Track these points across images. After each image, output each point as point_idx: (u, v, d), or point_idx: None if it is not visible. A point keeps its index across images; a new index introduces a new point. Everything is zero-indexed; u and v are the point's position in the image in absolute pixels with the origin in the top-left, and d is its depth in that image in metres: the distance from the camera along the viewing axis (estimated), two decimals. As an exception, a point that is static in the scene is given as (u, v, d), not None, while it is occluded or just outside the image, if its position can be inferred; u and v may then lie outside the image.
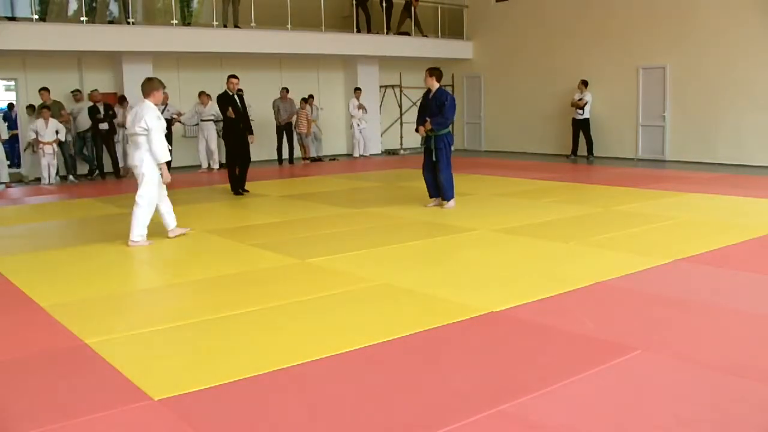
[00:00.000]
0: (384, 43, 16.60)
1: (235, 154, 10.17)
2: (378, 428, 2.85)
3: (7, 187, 11.95)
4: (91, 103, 12.63)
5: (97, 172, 13.12)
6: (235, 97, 10.15)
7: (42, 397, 3.23)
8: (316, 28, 15.34)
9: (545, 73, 16.08)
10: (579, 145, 14.87)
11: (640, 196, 9.10)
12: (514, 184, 10.78)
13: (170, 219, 7.03)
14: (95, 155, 13.04)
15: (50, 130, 12.10)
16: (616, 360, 3.50)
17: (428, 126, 8.27)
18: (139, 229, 6.69)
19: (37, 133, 12.06)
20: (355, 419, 2.93)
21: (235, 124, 10.04)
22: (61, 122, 12.40)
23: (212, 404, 3.10)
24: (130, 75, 13.80)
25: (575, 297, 4.64)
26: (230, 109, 9.92)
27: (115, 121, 12.99)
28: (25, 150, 12.99)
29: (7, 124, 12.90)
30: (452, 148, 8.52)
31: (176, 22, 13.72)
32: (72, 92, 13.22)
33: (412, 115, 16.97)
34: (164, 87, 7.02)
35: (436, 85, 8.36)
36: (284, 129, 15.04)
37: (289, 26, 14.82)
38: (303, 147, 15.54)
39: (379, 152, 17.39)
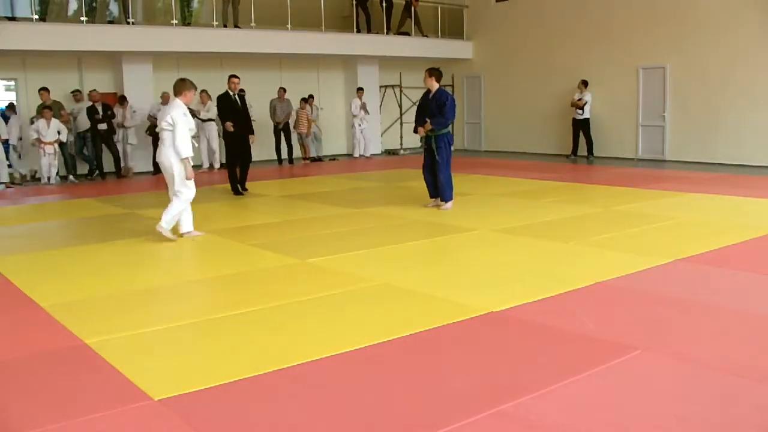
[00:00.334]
0: (384, 43, 16.59)
1: (236, 153, 10.18)
2: (378, 428, 2.85)
3: (7, 187, 11.95)
4: (90, 103, 12.62)
5: (97, 172, 13.12)
6: (236, 97, 10.15)
7: (42, 397, 3.23)
8: (316, 28, 15.34)
9: (545, 73, 16.08)
10: (579, 145, 14.87)
11: (640, 196, 9.10)
12: (514, 184, 10.78)
13: (187, 223, 7.06)
14: (95, 155, 13.03)
15: (52, 130, 12.10)
16: (616, 360, 3.50)
17: (428, 127, 8.26)
18: (167, 217, 6.82)
19: (38, 132, 12.06)
20: (355, 419, 2.93)
21: (237, 124, 10.04)
22: (60, 122, 12.39)
23: (212, 404, 3.10)
24: (130, 75, 13.82)
25: (575, 297, 4.64)
26: (229, 123, 9.96)
27: (114, 121, 13.00)
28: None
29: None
30: (452, 148, 8.51)
31: (176, 22, 13.72)
32: (72, 92, 13.22)
33: (412, 115, 16.85)
34: (196, 88, 7.17)
35: (435, 86, 8.35)
36: (282, 129, 15.03)
37: (289, 26, 14.82)
38: (303, 147, 15.54)
39: (379, 152, 17.38)
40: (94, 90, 12.80)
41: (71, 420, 2.96)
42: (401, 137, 17.56)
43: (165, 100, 13.29)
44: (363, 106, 16.14)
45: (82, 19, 12.62)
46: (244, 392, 3.21)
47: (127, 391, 3.24)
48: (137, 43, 13.01)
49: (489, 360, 3.59)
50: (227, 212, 8.69)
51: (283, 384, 3.32)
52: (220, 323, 4.29)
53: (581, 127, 14.77)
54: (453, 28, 18.13)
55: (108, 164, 13.14)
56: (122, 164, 13.37)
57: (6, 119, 12.51)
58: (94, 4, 13.16)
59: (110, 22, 13.30)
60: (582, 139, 14.82)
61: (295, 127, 15.27)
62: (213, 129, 13.88)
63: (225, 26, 14.19)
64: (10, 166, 12.52)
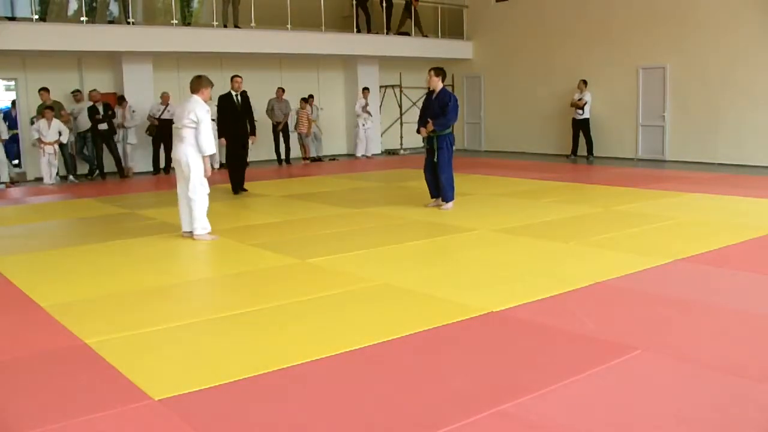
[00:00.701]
0: (384, 43, 16.59)
1: (234, 154, 10.20)
2: (378, 428, 2.85)
3: (8, 187, 11.95)
4: (91, 103, 12.62)
5: (97, 172, 13.11)
6: (238, 97, 10.16)
7: (42, 397, 3.23)
8: (316, 28, 15.34)
9: (545, 73, 16.08)
10: (579, 145, 14.87)
11: (640, 196, 9.10)
12: (514, 184, 10.78)
13: (198, 224, 7.03)
14: (95, 155, 13.03)
15: (53, 130, 12.10)
16: (616, 360, 3.50)
17: (430, 127, 8.25)
18: (200, 222, 6.84)
19: (39, 132, 12.06)
20: (355, 419, 2.93)
21: (232, 125, 10.04)
22: (61, 122, 12.38)
23: (212, 404, 3.10)
24: (130, 75, 13.82)
25: (575, 297, 4.64)
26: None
27: (114, 121, 12.99)
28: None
29: (7, 123, 12.88)
30: (453, 148, 8.51)
31: (176, 22, 13.71)
32: (72, 92, 13.21)
33: (412, 115, 17.01)
34: (212, 85, 7.20)
35: (440, 86, 8.34)
36: (281, 129, 15.02)
37: (289, 26, 14.82)
38: (303, 147, 15.54)
39: (379, 152, 17.38)
40: (95, 90, 12.79)
41: (71, 420, 2.96)
42: (401, 137, 17.56)
43: (165, 100, 13.32)
44: (365, 108, 16.12)
45: (82, 19, 12.61)
46: (244, 392, 3.21)
47: (127, 391, 3.24)
48: (137, 43, 13.01)
49: (489, 360, 3.59)
50: (227, 212, 8.68)
51: (283, 384, 3.32)
52: (220, 323, 4.29)
53: (581, 127, 14.76)
54: (453, 28, 18.13)
55: (109, 164, 13.14)
56: (124, 164, 13.37)
57: (7, 119, 12.51)
58: (94, 4, 13.16)
59: (110, 22, 13.29)
60: (582, 139, 14.82)
61: (295, 128, 15.26)
62: (213, 129, 13.86)
63: (225, 26, 14.19)
64: (18, 165, 12.50)
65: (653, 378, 3.31)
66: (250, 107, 10.48)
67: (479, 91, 17.96)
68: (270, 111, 14.72)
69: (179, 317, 4.39)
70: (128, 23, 13.08)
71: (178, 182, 7.01)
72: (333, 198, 9.60)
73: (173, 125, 7.14)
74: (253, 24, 14.31)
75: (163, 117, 13.27)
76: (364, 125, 16.23)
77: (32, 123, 12.52)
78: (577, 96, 14.75)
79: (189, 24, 14.34)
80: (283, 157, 15.16)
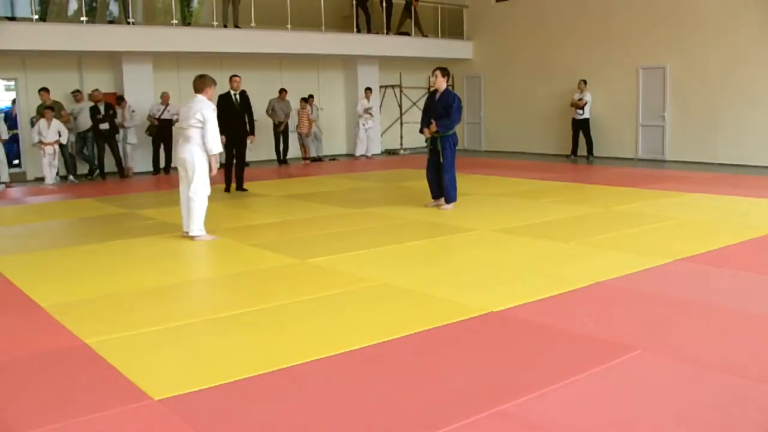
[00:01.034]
0: (384, 43, 16.59)
1: (231, 154, 10.26)
2: (378, 428, 2.85)
3: (8, 187, 11.95)
4: (92, 103, 12.62)
5: (97, 171, 13.11)
6: (236, 96, 10.17)
7: (42, 397, 3.23)
8: (316, 28, 15.34)
9: (545, 73, 16.08)
10: (579, 145, 14.87)
11: (640, 196, 9.10)
12: (514, 184, 10.78)
13: (195, 225, 7.05)
14: (96, 155, 13.03)
15: (53, 130, 12.10)
16: (616, 360, 3.50)
17: (433, 128, 8.23)
18: (197, 224, 6.84)
19: (39, 133, 12.06)
20: (355, 419, 2.93)
21: (230, 125, 10.06)
22: (61, 122, 12.38)
23: (212, 404, 3.10)
24: (130, 75, 13.82)
25: (575, 297, 4.64)
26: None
27: (115, 120, 12.99)
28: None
29: (8, 124, 12.88)
30: (456, 149, 8.50)
31: (176, 22, 13.71)
32: (72, 92, 13.21)
33: (411, 115, 17.03)
34: (215, 84, 7.21)
35: (444, 86, 8.33)
36: (282, 129, 15.03)
37: (289, 26, 14.82)
38: (303, 147, 15.54)
39: (379, 152, 17.38)
40: (97, 90, 12.79)
41: (71, 420, 2.96)
42: (401, 137, 17.56)
43: (165, 100, 13.32)
44: (367, 109, 16.10)
45: (82, 19, 12.61)
46: (244, 392, 3.21)
47: (127, 391, 3.24)
48: (137, 43, 13.00)
49: (489, 360, 3.59)
50: (227, 212, 8.68)
51: (283, 384, 3.32)
52: (220, 323, 4.29)
53: (581, 127, 14.76)
54: (453, 28, 18.14)
55: (109, 164, 13.13)
56: (125, 164, 13.36)
57: (8, 119, 12.50)
58: (94, 4, 13.15)
59: (110, 22, 13.29)
60: (582, 139, 14.82)
61: (296, 128, 15.26)
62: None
63: (225, 26, 14.19)
64: (18, 165, 12.50)
65: (653, 378, 3.31)
66: (250, 107, 10.49)
67: (479, 91, 17.97)
68: (271, 111, 14.73)
69: (179, 317, 4.39)
70: (128, 23, 13.08)
71: (181, 182, 7.01)
72: (333, 198, 9.60)
73: (178, 125, 7.14)
74: (253, 24, 14.31)
75: (163, 117, 13.28)
76: (365, 125, 16.22)
77: (32, 124, 12.51)
78: (577, 96, 14.75)
79: (189, 24, 14.33)
80: (281, 157, 15.16)
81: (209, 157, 6.85)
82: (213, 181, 7.12)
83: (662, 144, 14.13)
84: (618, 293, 4.76)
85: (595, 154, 14.67)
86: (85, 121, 12.77)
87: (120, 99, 13.39)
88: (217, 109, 10.16)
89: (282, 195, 10.13)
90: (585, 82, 14.71)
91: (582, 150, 14.82)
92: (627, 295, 4.72)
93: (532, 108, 16.51)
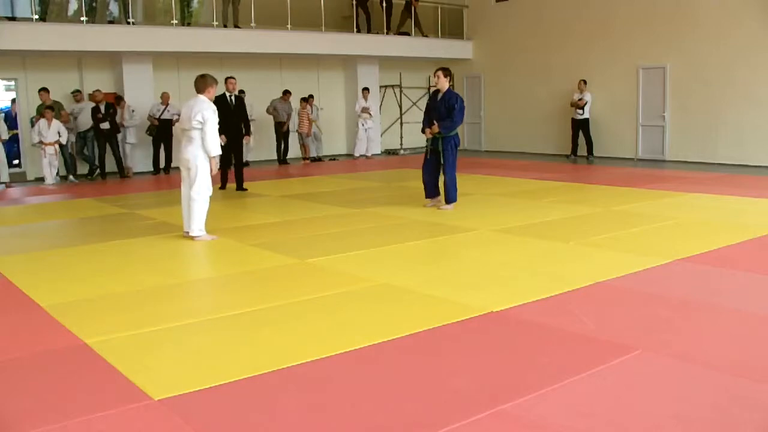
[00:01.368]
0: (384, 43, 16.59)
1: (226, 155, 10.30)
2: (378, 428, 2.85)
3: (8, 187, 11.95)
4: (92, 104, 12.62)
5: (97, 171, 13.11)
6: (232, 98, 10.20)
7: (42, 397, 3.23)
8: (316, 28, 15.34)
9: (545, 73, 16.08)
10: (579, 145, 14.87)
11: (640, 196, 9.10)
12: (514, 184, 10.78)
13: (196, 225, 7.07)
14: (96, 155, 13.03)
15: (53, 130, 12.10)
16: (616, 360, 3.50)
17: (435, 129, 8.21)
18: (198, 224, 6.85)
19: (40, 133, 12.06)
20: (355, 419, 2.93)
21: (224, 126, 10.10)
22: (61, 122, 12.39)
23: (212, 404, 3.10)
24: (130, 75, 13.82)
25: (575, 297, 4.64)
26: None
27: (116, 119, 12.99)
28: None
29: (8, 124, 12.88)
30: (458, 150, 8.49)
31: (176, 22, 13.71)
32: (72, 92, 13.22)
33: (412, 115, 17.04)
34: (217, 83, 7.21)
35: (446, 86, 8.31)
36: (281, 128, 15.05)
37: (289, 26, 14.82)
38: (303, 147, 15.54)
39: (379, 152, 17.39)
40: (98, 90, 12.78)
41: (71, 420, 2.96)
42: (401, 137, 17.56)
43: (165, 100, 13.32)
44: (365, 108, 16.10)
45: (82, 19, 12.61)
46: (244, 392, 3.21)
47: (127, 391, 3.25)
48: (137, 43, 13.00)
49: (489, 360, 3.59)
50: (227, 212, 8.68)
51: (283, 384, 3.32)
52: (220, 323, 4.29)
53: (581, 127, 14.76)
54: (453, 28, 18.13)
55: (110, 164, 13.13)
56: (125, 164, 13.36)
57: (8, 119, 12.50)
58: (94, 4, 13.15)
59: (110, 22, 13.29)
60: (582, 139, 14.82)
61: (296, 127, 15.26)
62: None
63: (225, 26, 14.19)
64: (18, 165, 12.49)
65: (653, 378, 3.31)
66: (245, 109, 10.54)
67: (479, 91, 17.96)
68: (273, 110, 14.75)
69: (179, 317, 4.39)
70: (128, 23, 13.08)
71: (183, 182, 7.02)
72: (333, 198, 9.60)
73: (180, 126, 7.14)
74: (253, 24, 14.31)
75: (163, 117, 13.28)
76: (364, 125, 16.22)
77: (32, 124, 12.51)
78: (577, 96, 14.75)
79: (189, 24, 14.34)
80: (288, 156, 15.18)
81: (210, 158, 6.85)
82: (212, 182, 7.13)
83: (662, 144, 14.13)
84: (618, 293, 4.76)
85: (595, 154, 14.67)
86: (85, 121, 12.77)
87: (119, 99, 13.39)
88: None
89: (282, 195, 10.14)
90: (585, 82, 14.71)
91: (582, 150, 14.81)
92: (627, 295, 4.72)
93: (532, 108, 16.51)
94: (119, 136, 13.20)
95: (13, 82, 13.72)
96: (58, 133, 12.16)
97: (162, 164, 13.59)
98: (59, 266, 5.99)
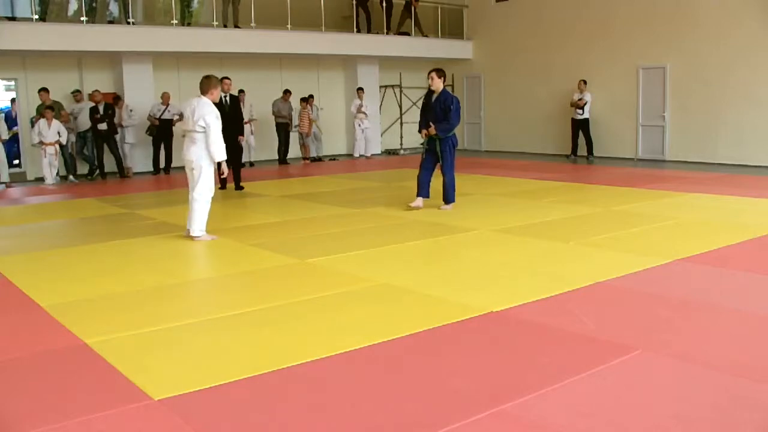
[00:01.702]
0: (384, 43, 16.59)
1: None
2: (378, 428, 2.85)
3: (8, 187, 11.95)
4: (92, 104, 12.62)
5: (97, 172, 13.11)
6: (226, 98, 10.23)
7: (42, 397, 3.23)
8: (316, 28, 15.34)
9: (545, 73, 16.08)
10: (579, 145, 14.87)
11: (640, 196, 9.10)
12: (514, 184, 10.78)
13: (196, 226, 7.07)
14: (96, 155, 13.03)
15: (53, 130, 12.10)
16: (616, 360, 3.50)
17: (432, 131, 8.18)
18: (199, 224, 6.86)
19: (40, 133, 12.06)
20: (355, 419, 2.93)
21: (222, 126, 10.13)
22: (60, 122, 12.38)
23: (212, 404, 3.10)
24: (130, 75, 13.82)
25: (575, 297, 4.64)
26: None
27: (114, 120, 12.98)
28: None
29: (8, 124, 12.88)
30: (456, 150, 8.48)
31: (176, 22, 13.71)
32: (72, 92, 13.22)
33: (412, 115, 17.01)
34: (221, 84, 7.20)
35: (441, 87, 8.30)
36: (284, 128, 15.06)
37: (289, 26, 14.82)
38: (303, 147, 15.54)
39: (379, 152, 17.39)
40: (97, 90, 12.79)
41: (71, 420, 2.96)
42: (401, 137, 17.56)
43: (165, 100, 13.32)
44: (359, 108, 16.10)
45: (82, 19, 12.61)
46: (244, 392, 3.21)
47: (127, 391, 3.25)
48: (137, 43, 13.00)
49: (489, 360, 3.59)
50: (227, 212, 8.68)
51: (283, 384, 3.32)
52: (220, 323, 4.29)
53: (581, 127, 14.76)
54: (453, 28, 18.14)
55: (109, 165, 13.13)
56: (124, 164, 13.36)
57: (8, 119, 12.50)
58: (94, 4, 13.15)
59: (110, 22, 13.29)
60: (582, 139, 14.82)
61: (298, 128, 15.27)
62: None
63: (225, 26, 14.19)
64: (18, 165, 12.49)
65: (653, 378, 3.31)
66: (239, 110, 10.56)
67: (479, 91, 17.96)
68: (276, 110, 14.77)
69: (179, 317, 4.39)
70: (128, 23, 13.08)
71: (190, 183, 7.04)
72: (333, 198, 9.60)
73: (184, 128, 7.15)
74: (253, 24, 14.31)
75: (163, 117, 13.28)
76: (360, 125, 16.23)
77: (32, 124, 12.51)
78: (577, 96, 14.75)
79: (189, 24, 14.34)
80: (289, 156, 15.17)
81: (217, 162, 6.88)
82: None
83: (662, 144, 14.13)
84: (618, 293, 4.76)
85: (595, 154, 14.67)
86: (85, 121, 12.77)
87: (116, 98, 13.39)
88: None
89: (282, 195, 10.14)
90: (585, 82, 14.71)
91: (582, 150, 14.81)
92: (627, 295, 4.72)
93: (532, 108, 16.51)
94: (117, 137, 13.20)
95: (13, 82, 13.72)
96: (58, 133, 12.15)
97: (162, 164, 13.59)
98: (59, 266, 5.99)
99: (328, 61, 16.81)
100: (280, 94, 15.00)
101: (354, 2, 16.28)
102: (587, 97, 14.65)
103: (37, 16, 12.23)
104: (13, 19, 12.30)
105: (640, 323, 4.13)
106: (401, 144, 17.60)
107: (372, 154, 16.58)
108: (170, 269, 5.86)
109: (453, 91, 17.95)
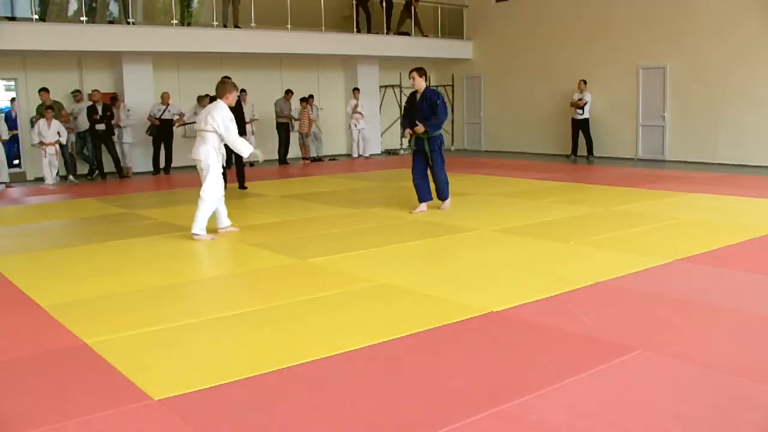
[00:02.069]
0: (384, 43, 16.59)
1: (227, 154, 10.37)
2: (378, 428, 2.85)
3: (8, 187, 11.95)
4: (91, 103, 12.62)
5: (97, 172, 13.11)
6: None
7: (42, 397, 3.23)
8: (316, 28, 15.34)
9: (545, 73, 16.08)
10: (579, 145, 14.87)
11: (640, 196, 9.10)
12: (514, 184, 10.78)
13: (224, 219, 7.25)
14: (95, 155, 13.02)
15: (53, 130, 12.10)
16: (616, 360, 3.50)
17: (421, 129, 8.09)
18: (201, 223, 6.89)
19: (40, 133, 12.06)
20: (355, 419, 2.93)
21: None
22: (60, 122, 12.39)
23: (212, 404, 3.10)
24: (130, 75, 13.82)
25: (575, 297, 4.64)
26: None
27: (112, 121, 12.97)
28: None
29: (8, 124, 12.88)
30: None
31: (176, 22, 13.72)
32: (72, 92, 13.22)
33: (412, 115, 17.02)
34: (237, 89, 7.27)
35: (423, 86, 8.24)
36: (284, 128, 15.07)
37: (289, 26, 14.82)
38: (303, 147, 15.54)
39: (379, 152, 17.39)
40: (96, 90, 12.79)
41: (71, 420, 2.96)
42: (401, 137, 17.55)
43: (165, 100, 13.32)
44: (355, 108, 16.10)
45: (82, 19, 12.61)
46: (244, 392, 3.21)
47: (127, 391, 3.25)
48: (137, 43, 13.01)
49: (489, 360, 3.59)
50: (227, 212, 8.67)
51: (283, 384, 3.32)
52: (220, 323, 4.29)
53: (581, 127, 14.76)
54: (453, 28, 18.13)
55: (110, 164, 13.13)
56: (123, 164, 13.35)
57: (8, 119, 12.50)
58: (94, 4, 13.15)
59: (110, 22, 13.29)
60: (582, 139, 14.82)
61: (298, 127, 15.27)
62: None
63: (225, 26, 14.19)
64: (18, 165, 12.49)
65: (653, 378, 3.31)
66: (241, 109, 10.55)
67: (479, 91, 17.96)
68: (280, 111, 14.78)
69: (179, 317, 4.39)
70: (128, 23, 13.08)
71: (202, 178, 7.08)
72: (333, 198, 9.60)
73: (196, 127, 7.19)
74: (253, 24, 14.31)
75: (163, 117, 13.28)
76: (356, 126, 16.23)
77: (32, 124, 12.51)
78: (577, 96, 14.74)
79: (189, 24, 14.34)
80: (290, 156, 15.18)
81: (250, 153, 7.10)
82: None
83: (662, 144, 14.13)
84: (618, 293, 4.76)
85: (595, 154, 14.67)
86: (85, 121, 12.77)
87: (114, 98, 13.38)
88: None
89: (282, 195, 10.14)
90: (585, 82, 14.71)
91: (582, 150, 14.81)
92: (627, 295, 4.72)
93: (532, 108, 16.51)
94: (115, 137, 13.18)
95: (13, 82, 13.73)
96: (58, 133, 12.16)
97: (162, 164, 13.58)
98: (59, 266, 5.99)
99: (328, 61, 16.81)
100: (281, 94, 15.00)
101: (354, 2, 16.29)
102: (587, 97, 14.64)
103: (37, 16, 12.24)
104: (13, 19, 12.30)
105: (640, 323, 4.13)
106: (401, 144, 17.59)
107: (371, 154, 16.58)
108: (170, 269, 5.86)
109: (453, 91, 17.98)
